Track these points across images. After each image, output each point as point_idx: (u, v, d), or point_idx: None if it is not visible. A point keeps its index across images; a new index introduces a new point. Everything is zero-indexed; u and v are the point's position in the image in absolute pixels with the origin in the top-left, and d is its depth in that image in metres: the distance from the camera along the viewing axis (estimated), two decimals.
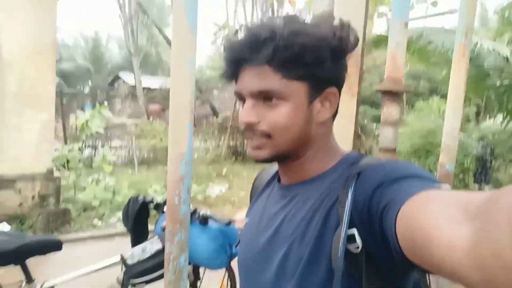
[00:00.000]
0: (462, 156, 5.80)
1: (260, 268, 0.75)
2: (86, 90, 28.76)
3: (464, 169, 6.29)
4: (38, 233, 4.54)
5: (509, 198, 0.34)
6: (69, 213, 5.03)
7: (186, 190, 1.22)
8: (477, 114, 10.46)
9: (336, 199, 0.65)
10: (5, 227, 2.16)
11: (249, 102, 0.71)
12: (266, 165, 0.97)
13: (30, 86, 4.74)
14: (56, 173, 5.25)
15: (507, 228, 0.32)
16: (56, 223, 4.77)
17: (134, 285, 1.88)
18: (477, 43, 4.39)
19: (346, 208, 0.61)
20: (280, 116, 0.69)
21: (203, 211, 1.89)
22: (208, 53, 25.92)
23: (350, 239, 0.60)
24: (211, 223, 1.88)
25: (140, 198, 1.99)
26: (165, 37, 14.20)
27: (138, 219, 2.01)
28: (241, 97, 0.73)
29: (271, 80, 0.68)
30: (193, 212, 1.84)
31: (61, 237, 4.00)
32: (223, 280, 2.23)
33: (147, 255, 1.85)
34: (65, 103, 9.25)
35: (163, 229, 1.86)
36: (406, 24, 1.56)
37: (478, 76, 4.68)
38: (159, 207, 2.00)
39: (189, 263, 1.81)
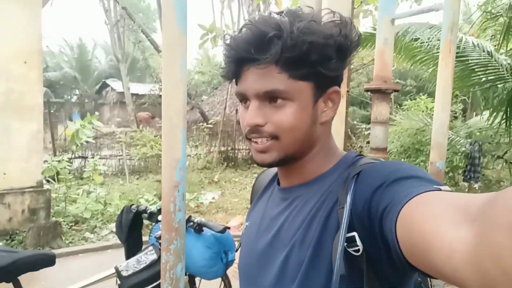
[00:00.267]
0: (451, 153, 5.86)
1: (261, 272, 0.74)
2: (73, 99, 28.47)
3: (453, 167, 6.36)
4: (29, 249, 4.46)
5: (508, 200, 0.33)
6: (60, 226, 4.94)
7: (181, 196, 1.20)
8: (464, 111, 10.60)
9: (336, 200, 0.64)
10: None
11: (254, 103, 0.68)
12: (263, 169, 0.96)
13: (17, 96, 4.67)
14: (46, 186, 5.17)
15: (506, 232, 0.31)
16: (47, 238, 4.68)
17: None
18: (461, 39, 4.45)
19: (345, 210, 0.60)
20: (287, 117, 0.67)
21: (198, 218, 1.87)
22: (195, 57, 25.80)
23: (351, 241, 0.60)
24: (205, 230, 1.86)
25: (134, 207, 1.96)
26: (152, 42, 14.13)
27: (132, 229, 1.98)
28: (244, 98, 0.71)
29: (277, 80, 0.66)
30: (188, 220, 1.82)
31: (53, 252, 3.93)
32: None
33: (142, 266, 1.82)
34: (52, 113, 9.12)
35: (158, 239, 1.84)
36: (393, 21, 1.58)
37: (463, 72, 4.74)
38: (152, 216, 1.97)
39: (185, 273, 1.78)
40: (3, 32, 4.56)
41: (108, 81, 26.29)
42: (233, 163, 10.24)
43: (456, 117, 9.49)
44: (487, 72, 4.68)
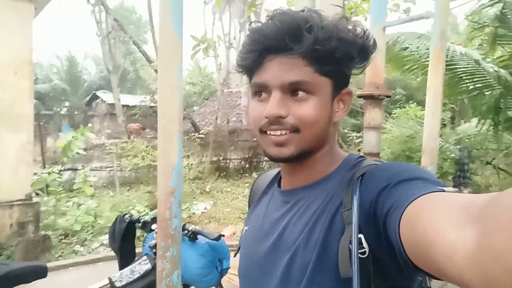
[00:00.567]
0: (441, 159, 5.92)
1: (264, 275, 0.73)
2: (63, 111, 28.23)
3: (443, 173, 6.43)
4: None
5: (510, 200, 0.33)
6: (49, 240, 4.85)
7: (177, 203, 1.19)
8: (452, 119, 10.75)
9: (340, 202, 0.64)
10: None
11: (276, 94, 0.67)
12: (255, 179, 0.96)
13: (7, 106, 4.62)
14: (35, 198, 5.09)
15: (508, 232, 0.31)
16: (36, 252, 4.59)
17: None
18: (449, 48, 4.54)
19: (353, 212, 0.60)
20: (309, 110, 0.66)
21: (192, 226, 1.86)
22: (187, 67, 25.86)
23: (357, 243, 0.59)
24: (200, 238, 1.85)
25: (127, 217, 1.95)
26: (144, 54, 14.12)
27: (125, 239, 1.95)
28: (261, 90, 0.69)
29: (303, 72, 0.66)
30: (182, 228, 1.80)
31: None
32: None
33: (136, 275, 1.79)
34: (42, 125, 9.03)
35: (152, 248, 1.82)
36: (384, 29, 1.61)
37: (452, 80, 4.82)
38: (146, 225, 1.95)
39: None
40: None
41: (98, 93, 26.14)
42: (224, 173, 10.20)
43: (445, 125, 9.62)
44: (474, 80, 4.77)
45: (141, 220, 1.94)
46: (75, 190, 6.47)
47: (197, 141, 10.02)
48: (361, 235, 0.59)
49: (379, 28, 1.65)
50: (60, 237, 5.27)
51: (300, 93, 0.66)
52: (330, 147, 0.73)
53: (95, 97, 26.73)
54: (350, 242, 0.59)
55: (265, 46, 0.66)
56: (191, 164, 9.51)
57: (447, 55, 4.27)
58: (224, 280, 2.03)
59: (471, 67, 4.57)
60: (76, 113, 26.22)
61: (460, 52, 4.51)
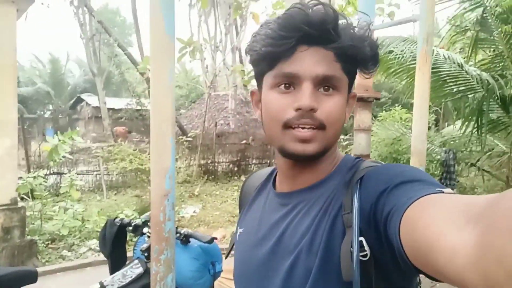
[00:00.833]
0: (427, 161, 6.02)
1: (263, 281, 0.71)
2: (47, 114, 27.78)
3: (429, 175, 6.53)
4: None
5: (510, 202, 0.33)
6: (35, 245, 4.77)
7: (171, 206, 1.19)
8: (436, 121, 10.94)
9: (340, 205, 0.64)
10: None
11: (309, 86, 0.64)
12: (243, 181, 0.96)
13: None
14: (20, 203, 4.99)
15: (508, 233, 0.31)
16: (22, 257, 4.50)
17: None
18: (433, 51, 4.62)
19: (354, 215, 0.60)
20: (336, 107, 0.65)
21: (184, 229, 1.85)
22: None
23: (359, 246, 0.59)
24: (192, 242, 1.84)
25: (118, 220, 1.93)
26: (129, 56, 14.01)
27: (116, 243, 1.94)
28: (290, 81, 0.65)
29: (334, 67, 0.64)
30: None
31: None
32: None
33: (128, 280, 1.78)
34: (25, 129, 8.87)
35: (144, 251, 1.81)
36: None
37: (436, 83, 4.91)
38: (137, 229, 1.94)
39: None
40: None
41: (83, 96, 25.83)
42: (213, 176, 10.18)
43: (429, 128, 9.79)
44: (458, 83, 4.87)
45: (132, 224, 1.92)
46: (62, 194, 6.37)
47: (185, 144, 9.97)
48: (362, 238, 0.59)
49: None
50: (47, 242, 5.18)
51: (329, 88, 0.65)
52: (334, 148, 0.72)
53: (79, 100, 26.39)
54: (352, 245, 0.59)
55: (305, 34, 0.62)
56: (179, 168, 9.45)
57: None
58: (215, 284, 2.03)
59: (454, 70, 4.66)
60: (60, 116, 25.84)
61: (444, 56, 4.60)
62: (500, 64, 4.87)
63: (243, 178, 9.87)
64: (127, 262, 1.94)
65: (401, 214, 0.50)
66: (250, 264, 0.75)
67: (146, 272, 1.74)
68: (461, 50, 6.47)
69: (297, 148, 0.65)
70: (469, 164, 6.40)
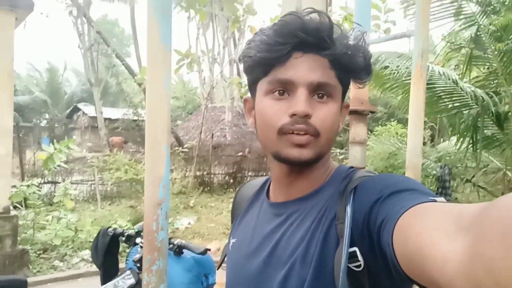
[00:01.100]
0: (423, 176, 6.04)
1: None
2: (43, 123, 27.71)
3: None
4: None
5: (501, 211, 0.33)
6: (27, 254, 4.70)
7: (164, 215, 1.19)
8: (432, 137, 11.00)
9: (334, 215, 0.64)
10: None
11: (304, 92, 0.64)
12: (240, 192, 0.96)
13: None
14: (13, 212, 4.94)
15: (499, 243, 0.31)
16: (13, 267, 4.44)
17: None
18: (428, 67, 4.68)
19: (346, 225, 0.60)
20: (330, 114, 0.66)
21: (177, 240, 1.83)
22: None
23: (352, 257, 0.59)
24: (185, 253, 1.82)
25: (110, 230, 1.90)
26: (127, 67, 14.08)
27: (108, 253, 1.91)
28: (284, 87, 0.66)
29: (328, 75, 0.65)
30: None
31: None
32: None
33: None
34: (21, 138, 8.83)
35: (136, 262, 1.79)
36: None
37: (431, 99, 4.95)
38: (130, 239, 1.92)
39: None
40: None
41: (80, 105, 25.83)
42: (208, 188, 10.13)
43: (425, 143, 9.83)
44: (453, 99, 4.91)
45: (125, 234, 1.90)
46: (55, 204, 6.32)
47: (181, 155, 9.95)
48: (356, 248, 0.59)
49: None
50: (39, 252, 5.11)
51: (323, 96, 0.66)
52: (327, 156, 0.72)
53: (76, 109, 26.38)
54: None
55: (300, 41, 0.63)
56: (175, 179, 9.42)
57: (426, 74, 4.40)
58: None
59: (449, 86, 4.71)
60: (56, 125, 25.79)
61: (439, 72, 4.65)
62: (494, 81, 4.93)
63: None
64: (119, 273, 1.91)
65: (394, 223, 0.50)
66: (243, 275, 0.74)
67: (138, 283, 1.71)
68: (456, 67, 6.55)
69: (293, 153, 0.65)
70: (464, 180, 6.42)
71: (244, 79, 7.86)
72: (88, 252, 5.00)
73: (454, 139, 5.96)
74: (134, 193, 7.40)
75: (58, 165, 5.76)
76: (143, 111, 14.43)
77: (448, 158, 6.37)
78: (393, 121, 9.21)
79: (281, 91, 0.66)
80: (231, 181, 10.76)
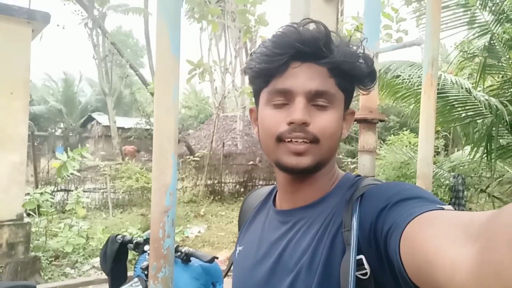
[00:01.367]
0: (436, 186, 5.94)
1: None
2: (57, 132, 28.22)
3: None
4: None
5: (509, 217, 0.33)
6: (39, 261, 4.75)
7: (171, 222, 1.19)
8: (446, 146, 10.85)
9: (341, 223, 0.63)
10: None
11: (302, 101, 0.65)
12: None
13: (0, 127, 4.61)
14: (26, 219, 5.01)
15: (508, 250, 0.31)
16: (25, 273, 4.48)
17: None
18: (440, 76, 4.64)
19: (352, 233, 0.60)
20: (330, 122, 0.66)
21: (185, 248, 1.83)
22: (182, 91, 26.19)
23: (358, 264, 0.59)
24: (193, 261, 1.82)
25: (119, 237, 1.92)
26: (141, 77, 14.30)
27: (116, 260, 1.92)
28: (282, 96, 0.67)
29: (327, 83, 0.66)
30: (175, 250, 1.78)
31: None
32: None
33: None
34: (36, 146, 8.99)
35: (144, 269, 1.79)
36: (377, 55, 1.65)
37: (444, 108, 4.90)
38: (139, 246, 1.92)
39: None
40: None
41: (94, 115, 26.27)
42: (219, 197, 10.13)
43: (438, 153, 9.69)
44: (466, 108, 4.85)
45: (134, 241, 1.91)
46: (68, 211, 6.39)
47: (192, 164, 10.00)
48: (362, 256, 0.59)
49: (372, 54, 1.70)
50: (51, 259, 5.16)
51: (323, 103, 0.66)
52: (332, 164, 0.72)
53: (90, 119, 26.82)
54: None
55: (297, 51, 0.64)
56: (186, 187, 9.45)
57: (438, 83, 4.37)
58: None
59: (463, 95, 4.66)
60: (70, 134, 26.21)
61: (451, 81, 4.60)
62: (509, 90, 4.86)
63: None
64: (127, 280, 1.92)
65: (401, 231, 0.50)
66: (249, 283, 0.74)
67: None
68: (470, 75, 6.48)
69: (291, 161, 0.66)
70: (478, 190, 6.30)
71: None
72: (99, 259, 5.03)
73: (468, 148, 5.87)
74: (145, 201, 7.44)
75: (71, 173, 5.83)
76: None
77: (462, 167, 6.27)
78: (406, 130, 9.11)
79: (281, 100, 0.67)
80: (242, 190, 10.74)
